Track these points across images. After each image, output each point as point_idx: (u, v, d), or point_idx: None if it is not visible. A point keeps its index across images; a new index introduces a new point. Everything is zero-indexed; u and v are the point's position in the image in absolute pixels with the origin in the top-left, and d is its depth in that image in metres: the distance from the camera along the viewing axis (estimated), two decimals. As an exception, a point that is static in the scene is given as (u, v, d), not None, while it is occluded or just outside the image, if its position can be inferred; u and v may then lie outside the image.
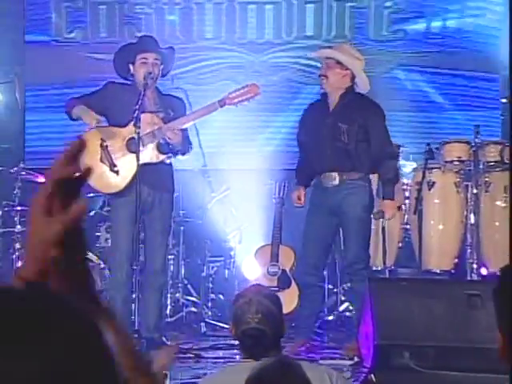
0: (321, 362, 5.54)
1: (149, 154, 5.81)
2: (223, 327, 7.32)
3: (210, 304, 7.62)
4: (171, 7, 9.32)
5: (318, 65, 6.77)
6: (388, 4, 8.82)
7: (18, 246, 7.39)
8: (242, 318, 3.21)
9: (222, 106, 5.91)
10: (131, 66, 6.00)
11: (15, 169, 7.51)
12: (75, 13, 9.32)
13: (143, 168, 5.68)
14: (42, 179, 7.72)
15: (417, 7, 8.77)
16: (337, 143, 6.12)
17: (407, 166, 7.53)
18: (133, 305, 5.66)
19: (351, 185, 6.26)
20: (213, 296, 7.76)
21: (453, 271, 6.97)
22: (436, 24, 8.76)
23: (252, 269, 7.83)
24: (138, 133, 5.60)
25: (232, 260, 7.83)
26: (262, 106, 8.05)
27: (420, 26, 8.76)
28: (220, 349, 6.33)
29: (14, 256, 7.37)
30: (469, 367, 4.67)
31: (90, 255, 7.32)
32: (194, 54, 9.10)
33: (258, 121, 8.51)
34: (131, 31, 9.32)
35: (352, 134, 6.11)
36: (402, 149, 7.22)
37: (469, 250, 6.87)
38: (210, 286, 7.73)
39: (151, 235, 5.70)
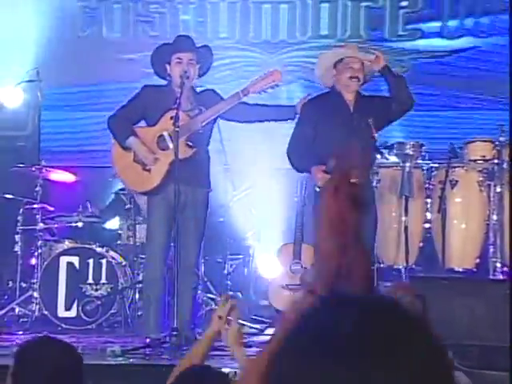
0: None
1: (179, 150, 5.68)
2: (243, 325, 7.22)
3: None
4: (185, 6, 9.18)
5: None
6: (403, 4, 8.69)
7: (39, 243, 7.23)
8: None
9: (245, 95, 5.82)
10: (168, 66, 5.89)
11: (37, 166, 7.35)
12: (90, 11, 9.16)
13: (175, 164, 5.55)
14: (56, 177, 7.58)
15: (432, 6, 8.65)
16: (368, 139, 6.00)
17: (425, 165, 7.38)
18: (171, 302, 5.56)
19: (370, 181, 6.21)
20: (231, 294, 7.62)
21: (475, 270, 6.87)
22: (452, 23, 8.64)
23: (269, 267, 7.74)
24: (177, 131, 5.48)
25: (251, 258, 7.71)
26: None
27: (436, 25, 8.63)
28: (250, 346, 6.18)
29: (36, 254, 7.22)
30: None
31: (112, 253, 7.20)
32: (208, 53, 8.95)
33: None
34: (145, 30, 9.18)
35: (376, 130, 6.04)
36: (423, 148, 7.08)
37: (491, 249, 6.77)
38: (229, 283, 7.61)
39: (184, 233, 5.55)
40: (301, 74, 8.85)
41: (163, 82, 6.12)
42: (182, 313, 5.46)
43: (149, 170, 5.75)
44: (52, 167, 7.51)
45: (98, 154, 8.58)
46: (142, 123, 6.00)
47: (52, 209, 7.57)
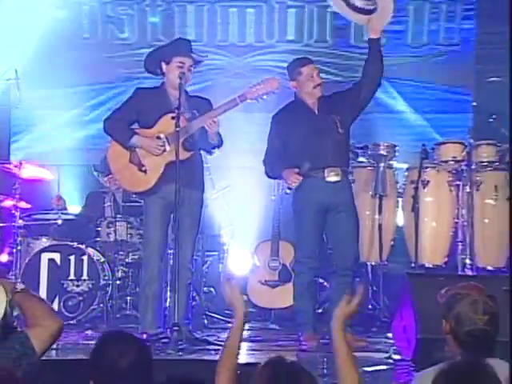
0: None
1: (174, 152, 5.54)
2: (220, 319, 7.15)
3: (203, 297, 7.37)
4: (153, 9, 9.02)
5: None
6: (369, 10, 8.64)
7: (19, 239, 7.00)
8: (466, 317, 3.04)
9: (242, 101, 5.71)
10: (164, 65, 5.74)
11: (16, 163, 7.11)
12: (57, 12, 8.93)
13: (172, 166, 5.43)
14: (33, 174, 7.35)
15: (398, 12, 8.59)
16: (335, 135, 5.93)
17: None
18: (168, 299, 5.45)
19: (348, 180, 6.15)
20: (205, 289, 7.52)
21: (444, 266, 6.89)
22: (417, 29, 8.65)
23: (238, 263, 7.67)
24: (178, 131, 5.36)
25: (226, 255, 7.62)
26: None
27: (401, 30, 8.60)
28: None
29: (15, 250, 6.99)
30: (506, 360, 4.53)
31: (91, 250, 7.01)
32: (176, 55, 8.78)
33: (243, 119, 8.20)
34: (113, 32, 8.99)
35: (343, 125, 5.98)
36: (397, 148, 7.07)
37: (460, 246, 6.79)
38: (204, 279, 7.49)
39: (180, 230, 5.43)
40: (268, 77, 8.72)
41: (152, 83, 6.02)
42: (176, 309, 5.33)
43: (145, 171, 5.65)
44: (31, 165, 7.28)
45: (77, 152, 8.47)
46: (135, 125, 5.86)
47: (29, 206, 7.35)
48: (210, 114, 5.60)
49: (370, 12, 6.01)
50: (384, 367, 4.94)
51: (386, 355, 5.20)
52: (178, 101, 5.54)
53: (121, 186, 6.12)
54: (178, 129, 5.36)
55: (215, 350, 5.38)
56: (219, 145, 5.69)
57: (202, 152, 5.85)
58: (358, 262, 6.30)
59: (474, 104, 8.30)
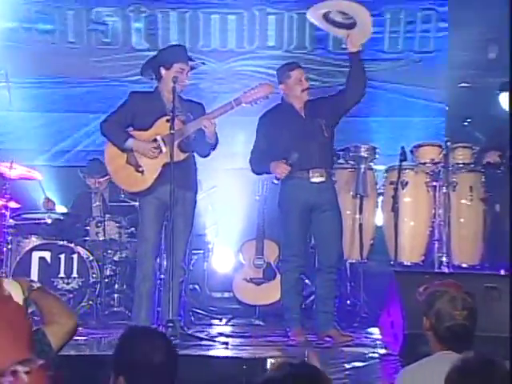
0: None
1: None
2: (206, 315, 7.13)
3: (189, 294, 7.34)
4: (136, 15, 8.98)
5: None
6: (347, 16, 8.65)
7: (10, 238, 6.94)
8: (446, 313, 3.07)
9: (237, 105, 5.68)
10: (163, 70, 5.71)
11: (6, 163, 7.04)
12: (43, 16, 8.86)
13: (168, 167, 5.41)
14: (22, 174, 7.28)
15: (376, 18, 8.62)
16: (320, 138, 5.95)
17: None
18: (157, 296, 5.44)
19: (332, 181, 6.16)
20: (191, 287, 7.50)
21: (421, 264, 6.92)
22: (393, 36, 8.69)
23: (226, 261, 7.67)
24: (173, 134, 5.34)
25: (210, 253, 7.62)
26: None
27: (379, 35, 8.59)
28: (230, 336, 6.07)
29: (5, 249, 6.92)
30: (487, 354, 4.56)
31: (80, 248, 6.95)
32: (159, 60, 8.74)
33: (229, 122, 8.17)
34: (98, 37, 8.94)
35: (328, 129, 6.00)
36: (377, 150, 7.08)
37: (437, 245, 6.82)
38: (189, 277, 7.47)
39: (174, 232, 5.40)
40: (248, 82, 8.71)
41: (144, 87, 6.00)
42: (172, 305, 5.31)
43: (141, 172, 5.63)
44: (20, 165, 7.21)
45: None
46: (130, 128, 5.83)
47: (19, 205, 7.27)
48: (206, 117, 5.59)
49: (349, 26, 6.01)
50: (370, 362, 4.95)
51: (372, 350, 5.21)
52: (172, 104, 5.51)
53: (118, 185, 6.06)
54: (172, 131, 5.34)
55: (207, 345, 5.38)
56: (216, 145, 5.68)
57: (194, 154, 5.82)
58: (342, 259, 6.32)
59: (447, 108, 8.37)
